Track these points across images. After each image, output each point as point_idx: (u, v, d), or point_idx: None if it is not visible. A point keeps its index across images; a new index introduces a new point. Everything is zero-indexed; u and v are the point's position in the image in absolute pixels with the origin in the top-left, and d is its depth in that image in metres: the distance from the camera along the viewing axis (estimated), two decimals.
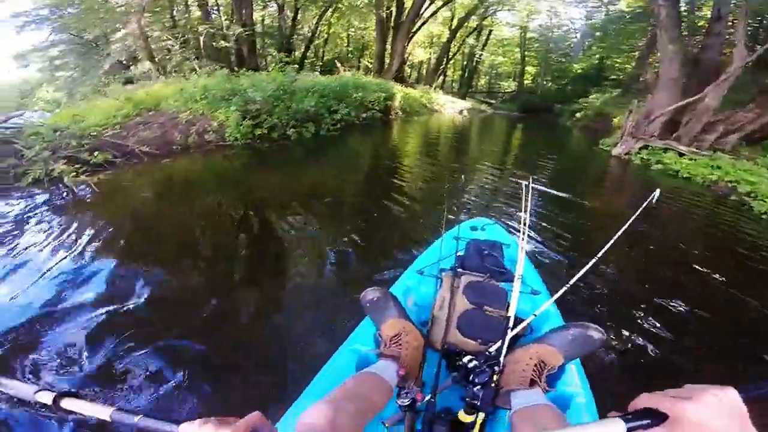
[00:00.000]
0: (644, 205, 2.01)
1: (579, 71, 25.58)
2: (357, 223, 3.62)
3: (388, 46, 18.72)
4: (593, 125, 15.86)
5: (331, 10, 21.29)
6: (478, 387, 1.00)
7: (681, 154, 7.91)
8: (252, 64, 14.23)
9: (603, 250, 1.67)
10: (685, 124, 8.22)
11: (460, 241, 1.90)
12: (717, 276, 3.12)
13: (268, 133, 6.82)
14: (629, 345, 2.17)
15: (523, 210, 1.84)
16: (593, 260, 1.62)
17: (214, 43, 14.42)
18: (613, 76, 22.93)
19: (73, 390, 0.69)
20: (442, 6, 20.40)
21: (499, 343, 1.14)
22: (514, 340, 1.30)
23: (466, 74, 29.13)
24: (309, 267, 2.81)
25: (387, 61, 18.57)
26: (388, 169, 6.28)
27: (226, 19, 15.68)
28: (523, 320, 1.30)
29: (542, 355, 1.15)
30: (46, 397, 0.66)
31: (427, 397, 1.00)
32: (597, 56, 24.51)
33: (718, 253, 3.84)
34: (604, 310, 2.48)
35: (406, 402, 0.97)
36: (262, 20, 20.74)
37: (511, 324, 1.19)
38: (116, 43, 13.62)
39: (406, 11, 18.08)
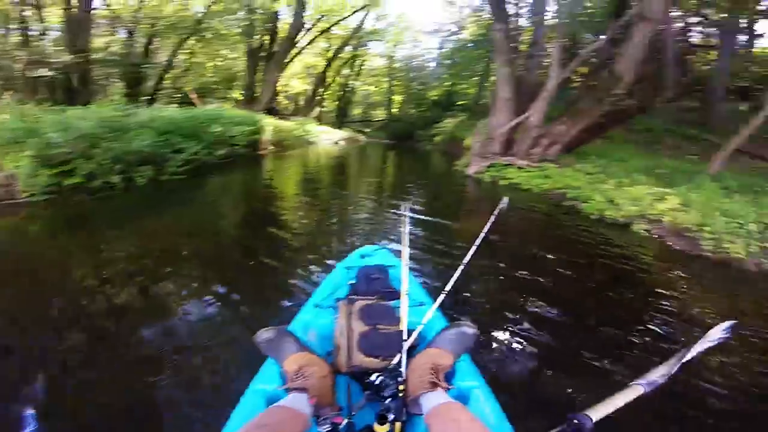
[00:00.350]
0: (495, 213, 2.25)
1: (434, 98, 28.05)
2: (237, 276, 3.23)
3: (261, 77, 17.87)
4: (449, 149, 17.43)
5: (194, 38, 19.64)
6: (389, 399, 1.10)
7: (520, 168, 8.90)
8: (84, 97, 11.95)
9: (467, 258, 1.87)
10: (519, 141, 9.32)
11: (351, 270, 1.98)
12: (563, 269, 3.88)
13: (86, 182, 5.44)
14: (503, 334, 2.50)
15: (402, 234, 1.97)
16: (461, 267, 1.81)
17: (29, 73, 11.78)
18: (460, 102, 25.71)
19: None
20: (318, 36, 20.34)
21: (398, 356, 1.26)
22: (412, 349, 1.38)
23: (342, 104, 29.60)
24: (195, 338, 2.32)
25: (259, 92, 17.67)
26: (259, 213, 5.60)
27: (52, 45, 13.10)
28: (414, 331, 1.42)
29: (435, 358, 1.26)
30: None
31: (345, 420, 1.03)
32: (447, 83, 27.28)
33: (562, 249, 4.50)
34: (479, 306, 2.93)
35: (327, 428, 0.99)
36: (106, 47, 17.97)
37: (405, 336, 1.32)
38: None
39: (280, 40, 17.57)
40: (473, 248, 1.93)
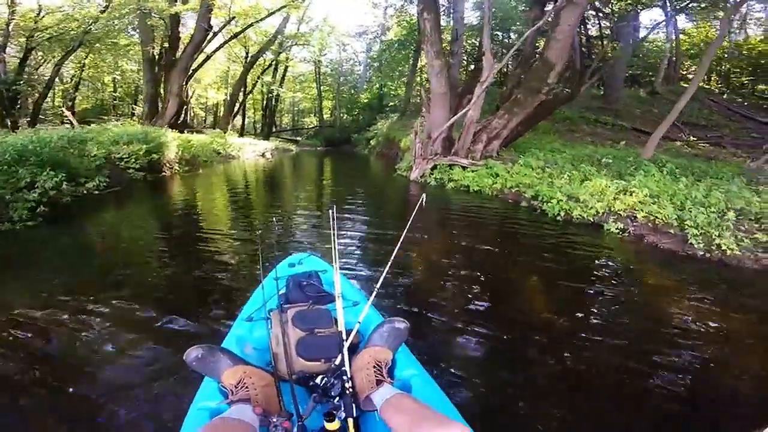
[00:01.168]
0: (416, 209, 2.03)
1: (365, 101, 26.99)
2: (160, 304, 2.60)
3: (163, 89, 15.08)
4: (386, 151, 16.35)
5: (83, 50, 16.16)
6: (337, 398, 1.09)
7: (464, 168, 7.88)
8: None
9: (392, 256, 1.72)
10: (459, 139, 8.33)
11: (280, 280, 1.90)
12: (544, 287, 3.20)
13: None
14: (437, 325, 2.42)
15: (332, 236, 1.75)
16: (388, 264, 1.69)
17: None
18: (391, 103, 24.94)
19: None
20: (229, 40, 17.72)
21: (340, 356, 1.24)
22: (353, 349, 1.36)
23: (267, 113, 27.10)
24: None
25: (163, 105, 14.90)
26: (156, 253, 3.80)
27: None
28: (351, 331, 1.37)
29: (375, 355, 1.26)
30: None
31: (296, 426, 0.99)
32: (377, 85, 26.35)
33: (535, 260, 3.80)
34: (410, 301, 2.72)
35: None
36: None
37: (344, 336, 1.31)
38: None
39: (183, 47, 14.90)
40: (396, 248, 1.76)
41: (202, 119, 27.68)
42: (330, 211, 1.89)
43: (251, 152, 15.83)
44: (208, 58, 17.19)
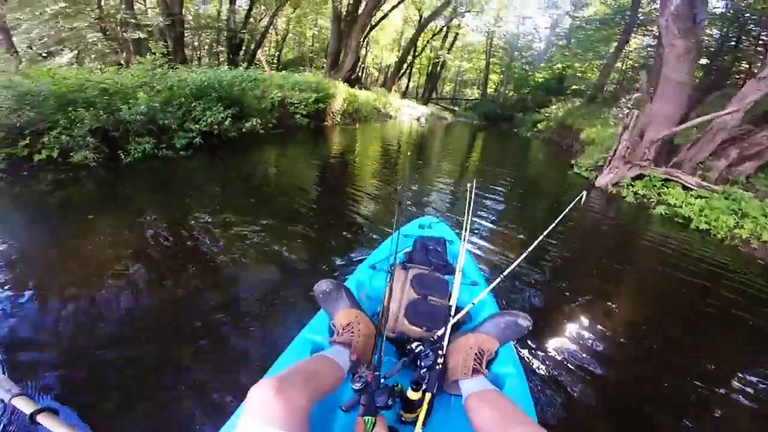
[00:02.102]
0: (571, 205, 1.93)
1: (540, 80, 23.38)
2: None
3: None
4: (556, 138, 13.55)
5: (291, 6, 17.96)
6: (425, 370, 1.05)
7: (687, 189, 5.30)
8: (178, 59, 10.96)
9: (530, 248, 1.61)
10: (688, 147, 5.62)
11: (408, 238, 1.88)
12: None
13: (59, 156, 3.68)
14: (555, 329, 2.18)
15: (466, 209, 1.83)
16: (522, 255, 1.58)
17: (128, 34, 11.24)
18: (574, 86, 20.76)
19: (53, 406, 0.68)
20: (400, 3, 17.13)
21: (442, 330, 1.19)
22: (456, 327, 1.31)
23: (430, 79, 26.14)
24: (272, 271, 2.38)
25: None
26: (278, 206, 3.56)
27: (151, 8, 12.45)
28: (462, 309, 1.31)
29: (480, 343, 1.17)
30: (24, 406, 0.65)
31: (379, 380, 0.97)
32: (559, 65, 22.24)
33: None
34: (534, 298, 2.50)
35: (359, 386, 0.95)
36: (215, 14, 17.40)
37: (453, 312, 1.25)
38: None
39: (364, 3, 14.94)
40: (538, 240, 1.64)
41: (375, 78, 28.54)
42: (469, 184, 1.98)
43: (407, 114, 15.35)
44: (384, 16, 16.89)
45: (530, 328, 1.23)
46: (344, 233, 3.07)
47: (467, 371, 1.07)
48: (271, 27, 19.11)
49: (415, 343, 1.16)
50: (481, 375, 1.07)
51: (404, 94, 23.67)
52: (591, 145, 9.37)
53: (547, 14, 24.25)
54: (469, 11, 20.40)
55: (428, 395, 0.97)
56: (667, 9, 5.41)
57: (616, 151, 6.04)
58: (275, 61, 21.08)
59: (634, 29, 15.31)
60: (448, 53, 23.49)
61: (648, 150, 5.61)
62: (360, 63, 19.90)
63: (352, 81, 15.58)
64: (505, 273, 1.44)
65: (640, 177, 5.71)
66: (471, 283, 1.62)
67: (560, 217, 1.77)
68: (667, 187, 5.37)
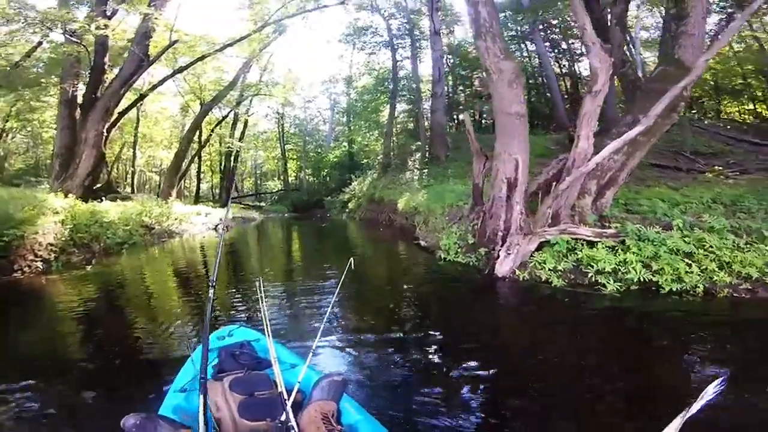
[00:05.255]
0: (343, 274, 1.89)
1: (334, 159, 23.47)
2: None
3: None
4: (371, 215, 12.32)
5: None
6: None
7: (590, 245, 3.77)
8: None
9: (325, 317, 1.98)
10: (548, 193, 4.29)
11: (210, 353, 1.61)
12: None
13: None
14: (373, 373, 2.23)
15: (261, 305, 1.77)
16: (321, 327, 1.66)
17: None
18: (365, 159, 21.56)
19: None
20: (170, 77, 12.87)
21: (283, 415, 1.13)
22: (298, 407, 1.27)
23: (226, 176, 22.00)
24: None
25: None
26: None
27: None
28: (292, 390, 1.28)
29: (321, 409, 1.20)
30: None
31: None
32: (344, 144, 23.15)
33: None
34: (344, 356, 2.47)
35: None
36: None
37: (285, 396, 1.21)
38: None
39: (108, 82, 10.19)
40: (328, 309, 1.88)
41: (156, 184, 21.98)
42: (257, 282, 2.01)
43: (200, 224, 10.67)
44: (142, 97, 12.45)
45: (346, 380, 1.36)
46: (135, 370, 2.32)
47: None
48: None
49: None
50: None
51: (197, 199, 18.77)
52: (417, 214, 8.02)
53: (326, 94, 25.03)
54: (256, 95, 18.39)
55: None
56: (481, 26, 4.18)
57: (498, 222, 4.20)
58: None
59: (398, 94, 16.52)
60: (240, 141, 20.43)
61: (549, 209, 3.90)
62: (109, 164, 14.13)
63: (98, 190, 10.08)
64: (314, 345, 1.49)
65: (538, 248, 3.90)
66: (291, 365, 1.60)
67: (339, 283, 1.81)
68: (574, 250, 3.70)
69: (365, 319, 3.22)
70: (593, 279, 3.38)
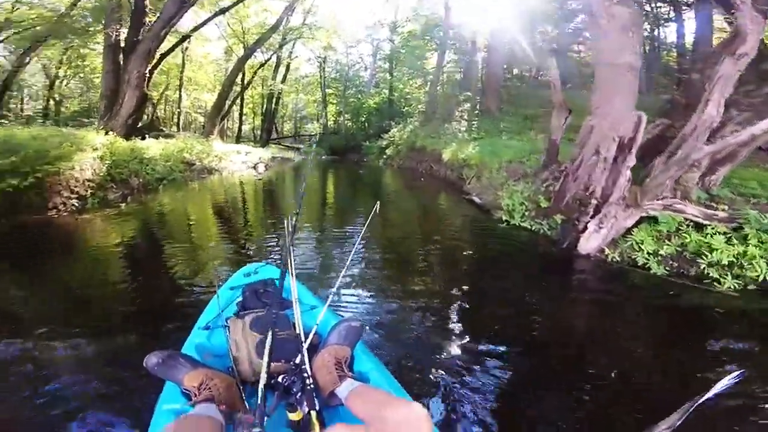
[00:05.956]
0: (370, 217, 1.82)
1: (373, 105, 22.56)
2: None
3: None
4: (412, 163, 11.63)
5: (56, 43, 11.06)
6: (299, 394, 1.02)
7: (699, 228, 3.13)
8: None
9: (348, 261, 1.79)
10: (669, 156, 3.55)
11: (235, 290, 1.72)
12: None
13: None
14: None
15: (286, 243, 1.75)
16: (343, 270, 1.73)
17: None
18: (406, 107, 20.52)
19: None
20: (212, 18, 12.63)
21: (299, 357, 1.15)
22: (313, 349, 1.27)
23: (267, 117, 22.05)
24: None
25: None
26: None
27: None
28: (309, 333, 1.31)
29: (335, 354, 1.18)
30: None
31: (258, 419, 0.90)
32: (386, 89, 21.99)
33: None
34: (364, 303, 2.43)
35: (246, 430, 0.88)
36: None
37: (303, 338, 1.24)
38: None
39: (149, 24, 9.86)
40: (351, 253, 1.82)
41: (201, 125, 22.45)
42: (285, 221, 1.85)
43: (240, 163, 10.75)
44: (184, 38, 12.06)
45: (364, 326, 1.34)
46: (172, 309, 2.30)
47: (336, 381, 1.08)
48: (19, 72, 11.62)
49: (281, 377, 1.09)
50: (348, 379, 1.09)
51: (238, 139, 19.09)
52: (466, 167, 7.38)
53: (368, 40, 23.55)
54: (298, 38, 17.50)
55: (313, 413, 0.96)
56: None
57: (587, 187, 3.56)
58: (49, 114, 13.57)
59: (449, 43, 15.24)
60: (282, 84, 20.05)
61: (668, 179, 3.24)
62: (155, 105, 14.33)
63: (141, 129, 10.21)
64: (335, 288, 1.63)
65: (635, 225, 3.30)
66: (311, 308, 1.57)
67: (366, 225, 1.77)
68: (678, 233, 3.09)
69: (398, 271, 3.02)
70: (704, 271, 2.81)
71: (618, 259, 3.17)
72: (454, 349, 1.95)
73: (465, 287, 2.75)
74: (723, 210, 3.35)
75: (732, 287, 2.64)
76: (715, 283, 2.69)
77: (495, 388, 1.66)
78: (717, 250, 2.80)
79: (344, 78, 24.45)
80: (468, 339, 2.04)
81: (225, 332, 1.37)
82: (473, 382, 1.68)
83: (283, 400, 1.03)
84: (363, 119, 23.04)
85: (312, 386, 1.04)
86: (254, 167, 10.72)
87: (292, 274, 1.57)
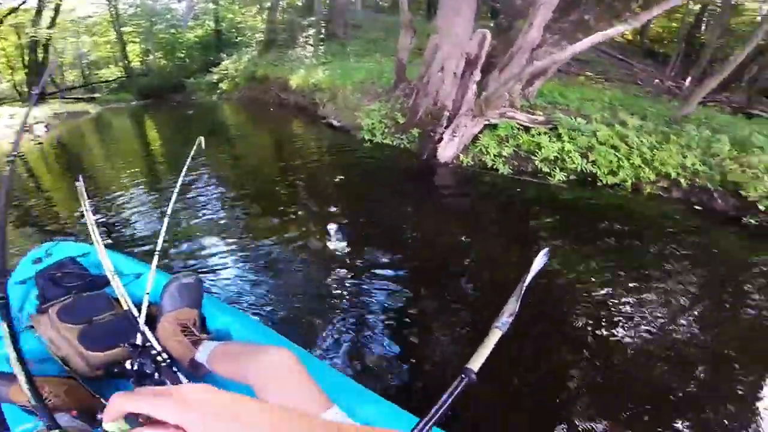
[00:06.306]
0: (193, 150, 1.59)
1: (196, 39, 18.69)
2: None
3: None
4: (255, 93, 10.53)
5: None
6: (156, 374, 0.89)
7: (528, 130, 3.58)
8: None
9: (169, 209, 1.36)
10: (499, 72, 3.81)
11: (28, 283, 1.39)
12: None
13: None
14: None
15: (84, 211, 1.35)
16: (165, 223, 1.32)
17: None
18: (240, 37, 17.61)
19: None
20: None
21: (138, 336, 0.97)
22: (152, 320, 1.08)
23: (33, 71, 15.29)
24: None
25: None
26: None
27: None
28: (141, 304, 1.07)
29: (177, 318, 1.06)
30: None
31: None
32: (210, 20, 18.29)
33: None
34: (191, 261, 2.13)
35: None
36: None
37: (135, 313, 1.02)
38: None
39: None
40: (172, 201, 1.38)
41: None
42: (77, 184, 1.47)
43: (4, 128, 7.50)
44: None
45: (199, 279, 1.15)
46: None
47: (190, 348, 0.98)
48: None
49: (128, 362, 0.93)
50: (204, 341, 1.00)
51: None
52: (318, 92, 6.94)
53: None
54: None
55: None
56: None
57: (437, 101, 3.53)
58: None
59: None
60: (50, 29, 14.07)
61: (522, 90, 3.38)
62: None
63: None
64: (158, 245, 1.22)
65: (488, 129, 3.56)
66: (135, 276, 1.35)
67: (186, 166, 1.50)
68: (515, 137, 3.45)
69: (259, 207, 2.74)
70: (537, 167, 3.24)
71: (471, 163, 3.54)
72: (333, 275, 1.85)
73: (335, 209, 2.66)
74: (539, 115, 3.89)
75: (561, 179, 3.16)
76: (548, 177, 3.17)
77: (377, 301, 1.65)
78: (544, 147, 3.23)
79: (148, 13, 19.42)
80: (346, 261, 1.98)
81: (34, 333, 1.17)
82: (359, 303, 1.65)
83: (142, 385, 0.91)
84: (183, 55, 19.28)
85: (168, 361, 0.91)
86: (27, 130, 7.46)
87: (98, 242, 1.28)
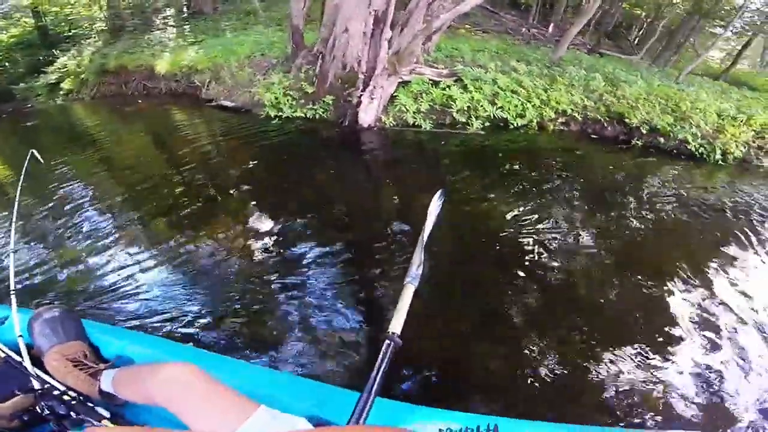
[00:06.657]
0: (24, 168, 1.46)
1: (12, 40, 14.58)
2: None
3: None
4: (109, 89, 8.78)
5: None
6: (73, 413, 0.82)
7: (436, 84, 3.53)
8: None
9: (12, 246, 1.24)
10: (401, 29, 3.59)
11: None
12: None
13: None
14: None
15: None
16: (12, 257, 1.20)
17: None
18: (74, 30, 14.12)
19: None
20: None
21: (32, 379, 0.92)
22: (39, 361, 0.99)
23: None
24: None
25: None
26: None
27: None
28: (18, 348, 0.99)
29: (63, 354, 0.95)
30: None
31: None
32: (27, 16, 14.38)
33: None
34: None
35: None
36: None
37: (15, 359, 0.96)
38: None
39: None
40: (12, 231, 1.26)
41: None
42: None
43: None
44: None
45: (66, 309, 1.05)
46: None
47: (90, 380, 0.90)
48: None
49: (37, 408, 0.86)
50: (102, 372, 0.92)
51: None
52: (196, 73, 5.96)
53: None
54: None
55: (106, 422, 0.81)
56: None
57: (347, 64, 3.24)
58: None
59: None
60: None
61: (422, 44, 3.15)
62: None
63: None
64: (11, 284, 1.13)
65: (403, 86, 3.36)
66: (1, 320, 1.21)
67: (20, 181, 1.37)
68: (427, 92, 3.34)
69: (147, 214, 2.24)
70: (454, 119, 3.20)
71: (394, 123, 3.36)
72: (255, 270, 1.70)
73: (249, 194, 2.31)
74: (443, 68, 3.85)
75: (478, 127, 3.17)
76: (466, 126, 3.16)
77: (315, 270, 1.61)
78: (457, 99, 3.18)
79: None
80: (274, 242, 1.83)
81: None
82: (286, 294, 1.54)
83: (63, 430, 0.83)
84: (0, 59, 14.81)
85: (79, 397, 0.85)
86: None
87: None
